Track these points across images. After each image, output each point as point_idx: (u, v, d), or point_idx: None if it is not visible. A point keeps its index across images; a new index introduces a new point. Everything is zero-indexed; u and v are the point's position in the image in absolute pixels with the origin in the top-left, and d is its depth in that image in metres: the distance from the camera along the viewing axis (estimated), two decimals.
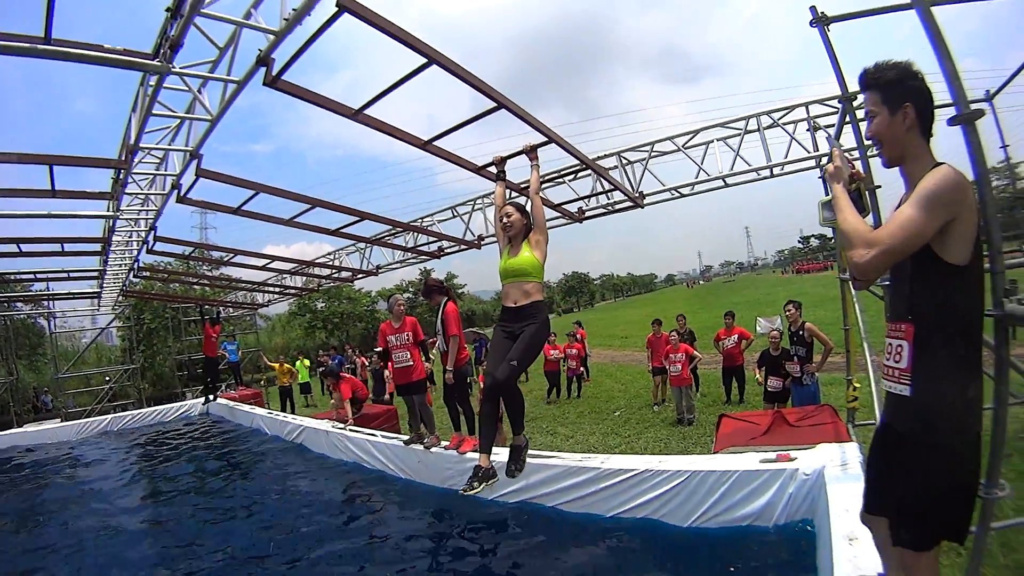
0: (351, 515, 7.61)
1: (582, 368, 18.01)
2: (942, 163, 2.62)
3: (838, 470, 4.80)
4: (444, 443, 8.10)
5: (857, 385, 7.66)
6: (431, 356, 9.55)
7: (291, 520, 7.47)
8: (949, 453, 2.52)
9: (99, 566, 6.80)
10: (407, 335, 8.51)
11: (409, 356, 8.46)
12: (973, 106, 3.08)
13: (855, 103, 5.65)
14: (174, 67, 6.09)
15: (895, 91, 2.71)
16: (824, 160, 8.71)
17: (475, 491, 5.23)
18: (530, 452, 6.24)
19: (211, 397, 18.11)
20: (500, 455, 6.64)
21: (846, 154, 3.09)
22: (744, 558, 5.05)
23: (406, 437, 8.75)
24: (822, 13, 5.12)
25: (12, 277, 17.56)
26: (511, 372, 5.14)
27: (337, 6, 4.68)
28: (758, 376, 11.14)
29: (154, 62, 5.86)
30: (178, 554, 6.87)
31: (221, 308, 23.23)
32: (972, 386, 2.53)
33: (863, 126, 5.47)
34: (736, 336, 13.58)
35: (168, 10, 5.40)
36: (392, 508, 7.69)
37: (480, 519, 6.71)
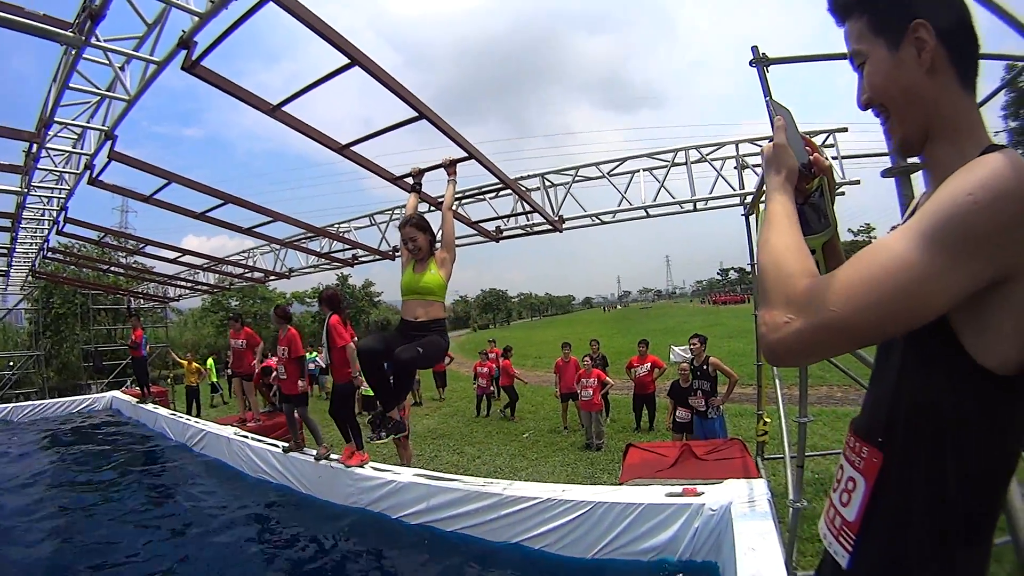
0: (243, 526, 7.34)
1: (492, 388, 17.93)
2: (999, 147, 1.28)
3: (745, 507, 4.72)
4: (335, 456, 7.96)
5: (767, 420, 7.72)
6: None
7: (183, 531, 7.20)
8: None
9: None
10: (283, 349, 8.79)
11: (284, 370, 8.75)
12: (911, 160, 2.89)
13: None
14: (97, 40, 5.85)
15: (892, 4, 1.42)
16: (749, 199, 8.74)
17: (382, 441, 5.92)
18: (431, 473, 6.66)
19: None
20: (402, 474, 6.85)
21: (803, 133, 1.78)
22: None
23: (286, 445, 8.71)
24: (763, 54, 5.12)
25: None
26: (415, 356, 5.30)
27: None
28: (669, 409, 10.97)
29: (68, 32, 5.61)
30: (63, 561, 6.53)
31: (132, 299, 22.70)
32: None
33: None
34: (649, 364, 13.66)
35: None
36: (287, 523, 7.44)
37: (379, 540, 6.53)
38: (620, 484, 6.55)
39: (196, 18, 5.31)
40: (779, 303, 1.31)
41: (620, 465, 8.51)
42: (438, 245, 5.97)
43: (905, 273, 1.15)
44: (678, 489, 5.28)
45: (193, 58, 5.46)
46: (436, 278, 5.59)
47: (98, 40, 5.90)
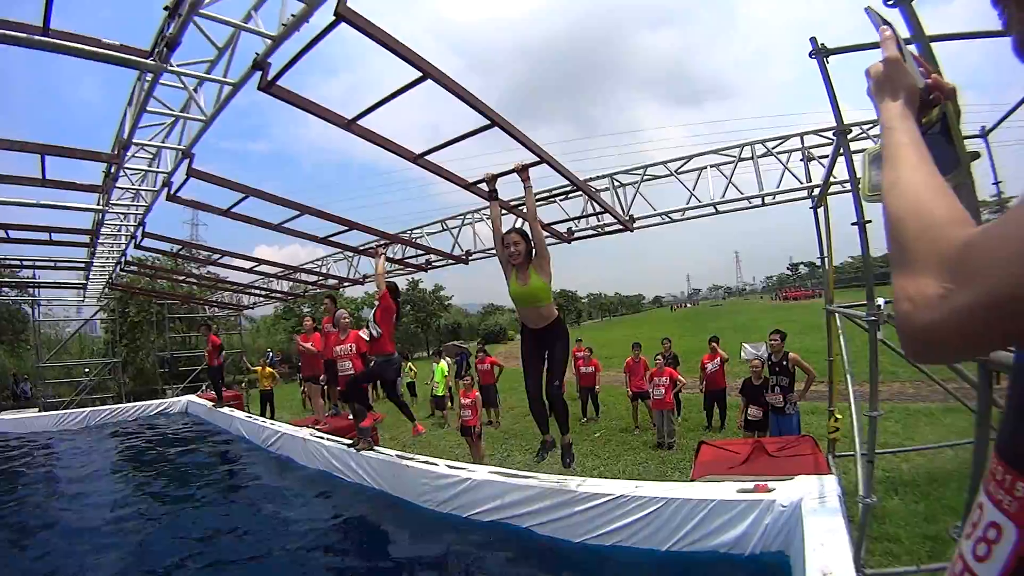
0: (323, 529, 7.48)
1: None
2: None
3: (815, 503, 4.72)
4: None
5: (839, 416, 7.67)
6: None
7: (265, 530, 7.38)
8: None
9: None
10: (350, 346, 9.44)
11: (351, 365, 9.43)
12: (968, 143, 2.86)
13: (850, 135, 5.67)
14: (170, 66, 6.10)
15: None
16: (816, 191, 8.69)
17: (544, 460, 6.71)
18: (505, 471, 6.81)
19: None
20: (477, 472, 6.96)
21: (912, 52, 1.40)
22: None
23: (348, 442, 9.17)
24: (822, 45, 5.13)
25: None
26: (559, 390, 6.22)
27: (335, 15, 4.69)
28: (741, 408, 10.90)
29: (148, 60, 5.86)
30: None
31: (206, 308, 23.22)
32: None
33: (857, 159, 5.50)
34: (718, 360, 13.63)
35: (167, 8, 5.40)
36: (363, 521, 7.64)
37: (453, 536, 6.61)
38: (692, 480, 6.58)
39: (269, 41, 5.53)
40: (929, 266, 0.92)
41: (691, 463, 8.51)
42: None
43: None
44: (750, 485, 5.30)
45: (269, 79, 5.67)
46: (540, 283, 5.90)
47: (172, 66, 6.14)
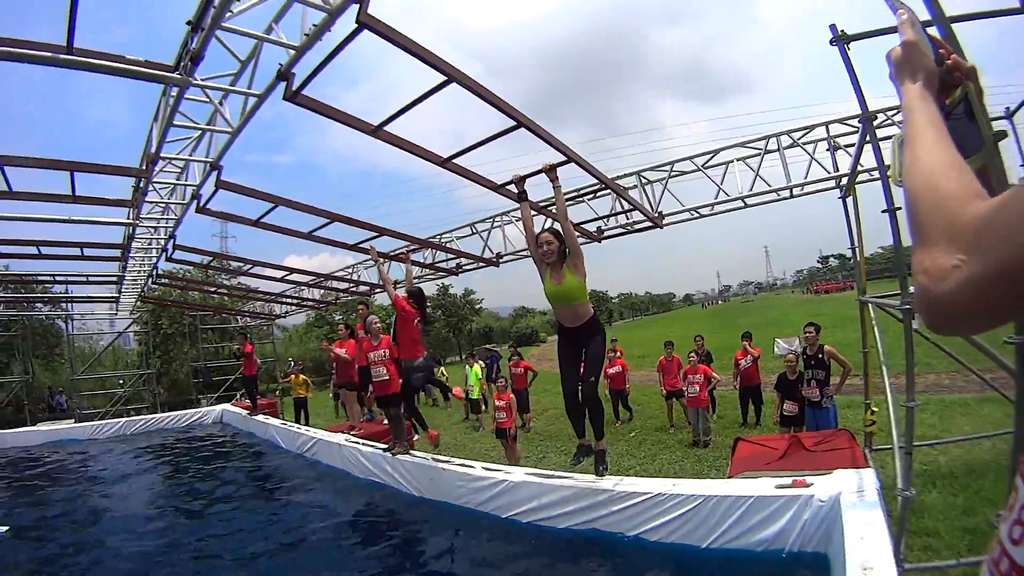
0: (361, 532, 7.61)
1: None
2: None
3: (854, 497, 4.68)
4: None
5: (875, 409, 7.58)
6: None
7: (308, 537, 7.42)
8: None
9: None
10: (384, 352, 9.20)
11: (386, 371, 9.15)
12: (994, 124, 2.78)
13: (875, 122, 5.62)
14: (195, 79, 6.14)
15: None
16: (844, 181, 8.61)
17: (580, 463, 6.57)
18: (542, 472, 6.80)
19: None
20: (514, 474, 6.98)
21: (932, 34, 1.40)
22: None
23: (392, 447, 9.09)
24: (842, 32, 5.09)
25: (32, 278, 17.79)
26: (594, 386, 6.17)
27: (357, 23, 4.71)
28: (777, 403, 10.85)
29: (174, 75, 5.90)
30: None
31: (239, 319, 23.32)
32: None
33: (884, 146, 5.45)
34: (751, 357, 13.57)
35: (189, 23, 5.43)
36: (402, 525, 7.67)
37: (492, 539, 6.65)
38: (730, 478, 6.54)
39: (292, 51, 5.55)
40: (943, 239, 0.92)
41: (727, 461, 8.46)
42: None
43: None
44: (787, 481, 5.26)
45: (294, 88, 5.70)
46: (575, 282, 5.98)
47: (196, 79, 6.20)
